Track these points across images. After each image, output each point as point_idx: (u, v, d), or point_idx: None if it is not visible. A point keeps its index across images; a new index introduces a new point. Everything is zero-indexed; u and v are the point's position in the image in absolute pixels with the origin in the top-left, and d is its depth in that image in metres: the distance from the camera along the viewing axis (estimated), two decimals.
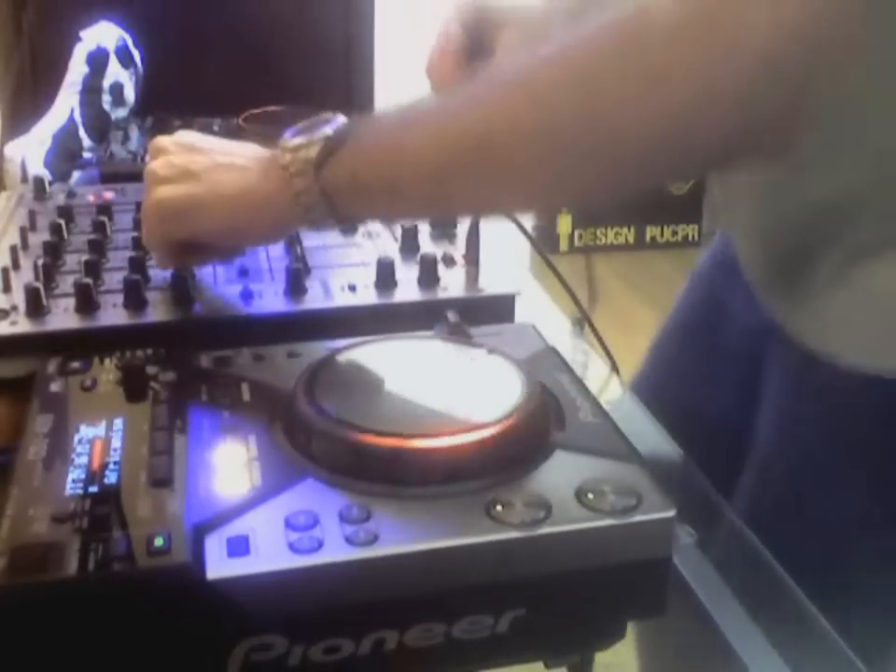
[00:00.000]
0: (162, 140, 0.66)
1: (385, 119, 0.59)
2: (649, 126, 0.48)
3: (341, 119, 0.58)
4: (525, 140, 0.50)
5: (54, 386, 0.51)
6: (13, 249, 0.71)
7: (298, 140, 0.57)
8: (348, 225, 0.60)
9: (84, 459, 0.44)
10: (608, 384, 0.72)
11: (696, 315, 0.85)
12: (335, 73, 1.35)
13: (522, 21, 0.72)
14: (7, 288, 0.67)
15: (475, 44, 0.71)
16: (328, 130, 0.57)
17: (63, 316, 0.63)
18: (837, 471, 0.66)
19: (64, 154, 1.03)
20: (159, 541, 0.38)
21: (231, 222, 0.61)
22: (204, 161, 0.62)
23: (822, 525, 0.67)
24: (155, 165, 0.64)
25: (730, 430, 0.77)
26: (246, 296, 0.66)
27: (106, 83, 1.10)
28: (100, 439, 0.46)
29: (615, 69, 0.48)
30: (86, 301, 0.64)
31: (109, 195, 0.86)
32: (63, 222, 0.76)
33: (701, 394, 0.81)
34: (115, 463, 0.44)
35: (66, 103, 1.07)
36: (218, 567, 0.38)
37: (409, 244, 0.73)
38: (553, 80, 0.50)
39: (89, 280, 0.65)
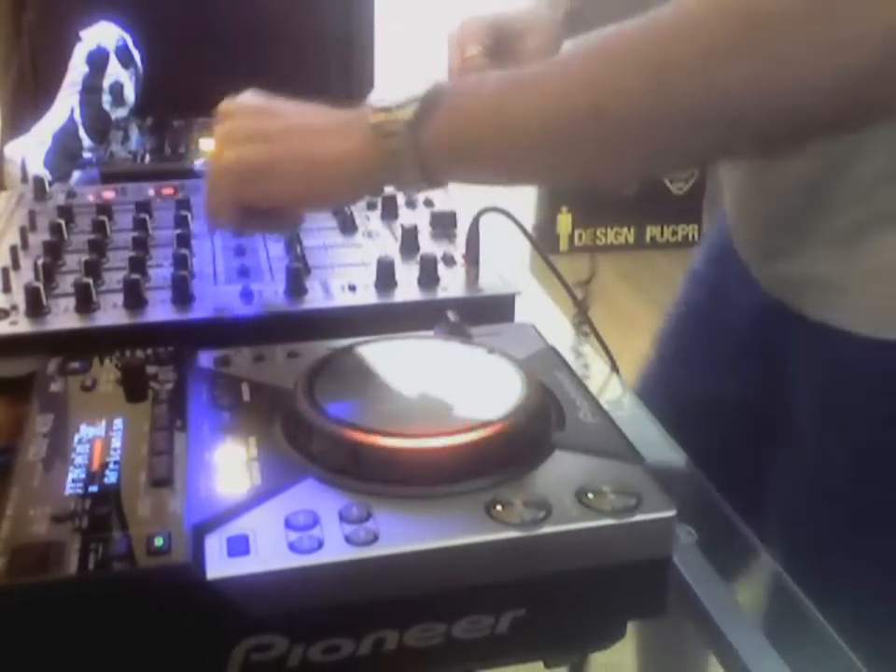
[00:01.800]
0: (231, 104, 0.63)
1: (481, 86, 0.57)
2: (774, 101, 0.48)
3: (429, 82, 0.56)
4: (639, 109, 0.50)
5: (54, 386, 0.51)
6: (13, 249, 0.71)
7: (389, 100, 0.55)
8: (430, 188, 0.59)
9: (84, 459, 0.44)
10: (608, 384, 0.72)
11: (696, 308, 0.86)
12: (336, 71, 1.35)
13: (545, 26, 0.72)
14: (7, 288, 0.67)
15: (493, 53, 0.70)
16: (419, 92, 0.55)
17: (63, 316, 0.63)
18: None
19: (64, 154, 1.03)
20: (159, 541, 0.38)
21: (311, 185, 0.59)
22: (280, 123, 0.60)
23: (878, 509, 0.67)
24: (228, 127, 0.61)
25: (749, 410, 0.77)
26: (246, 296, 0.66)
27: (106, 83, 1.10)
28: (100, 439, 0.46)
29: (740, 47, 0.47)
30: (86, 301, 0.64)
31: (109, 195, 0.86)
32: (62, 222, 0.76)
33: (712, 381, 0.81)
34: (115, 463, 0.44)
35: (66, 103, 1.07)
36: (218, 566, 0.38)
37: (409, 244, 0.73)
38: (668, 54, 0.49)
39: (89, 280, 0.65)
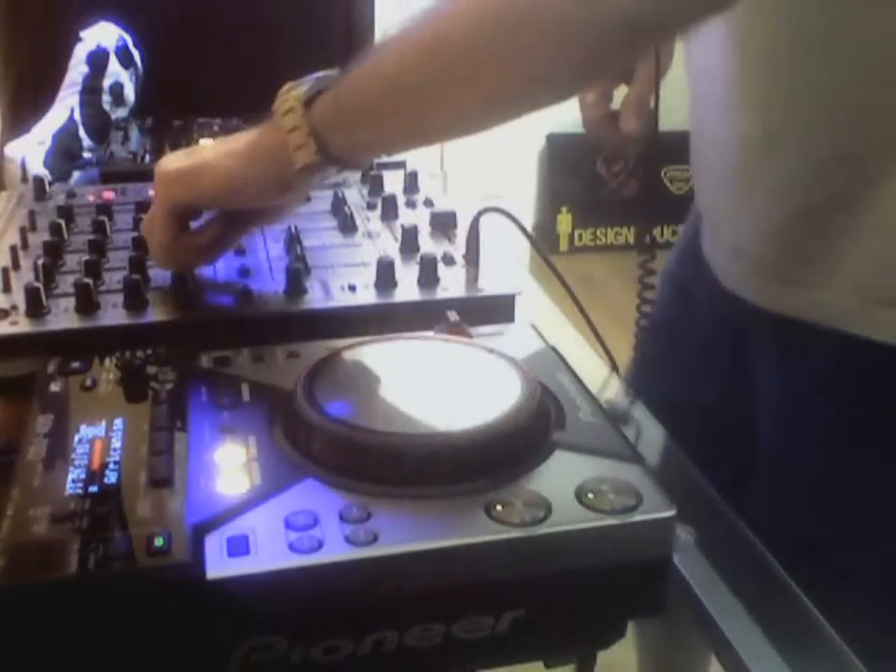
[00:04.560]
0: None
1: (367, 51, 0.60)
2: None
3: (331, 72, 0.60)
4: (476, 33, 0.54)
5: (54, 386, 0.51)
6: (13, 249, 0.71)
7: (289, 84, 0.60)
8: (340, 169, 0.62)
9: (84, 459, 0.44)
10: (608, 384, 0.72)
11: (667, 312, 0.86)
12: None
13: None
14: (7, 288, 0.67)
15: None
16: (319, 74, 0.59)
17: (63, 316, 0.63)
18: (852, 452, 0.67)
19: (64, 154, 1.03)
20: (159, 541, 0.38)
21: (233, 177, 0.62)
22: (205, 149, 0.65)
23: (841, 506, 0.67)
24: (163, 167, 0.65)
25: (717, 418, 0.77)
26: (246, 296, 0.66)
27: (106, 83, 1.10)
28: (100, 439, 0.46)
29: None
30: (86, 301, 0.64)
31: (109, 195, 0.86)
32: (62, 222, 0.76)
33: (684, 387, 0.81)
34: (115, 463, 0.44)
35: (66, 103, 1.07)
36: (218, 566, 0.38)
37: (409, 244, 0.73)
38: None
39: (89, 280, 0.65)
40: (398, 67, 0.57)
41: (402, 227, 0.75)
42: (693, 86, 0.75)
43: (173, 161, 0.65)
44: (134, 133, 1.16)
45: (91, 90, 1.08)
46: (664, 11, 0.50)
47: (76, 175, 1.03)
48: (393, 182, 0.87)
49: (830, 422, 0.68)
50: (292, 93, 0.60)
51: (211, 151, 0.64)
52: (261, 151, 0.61)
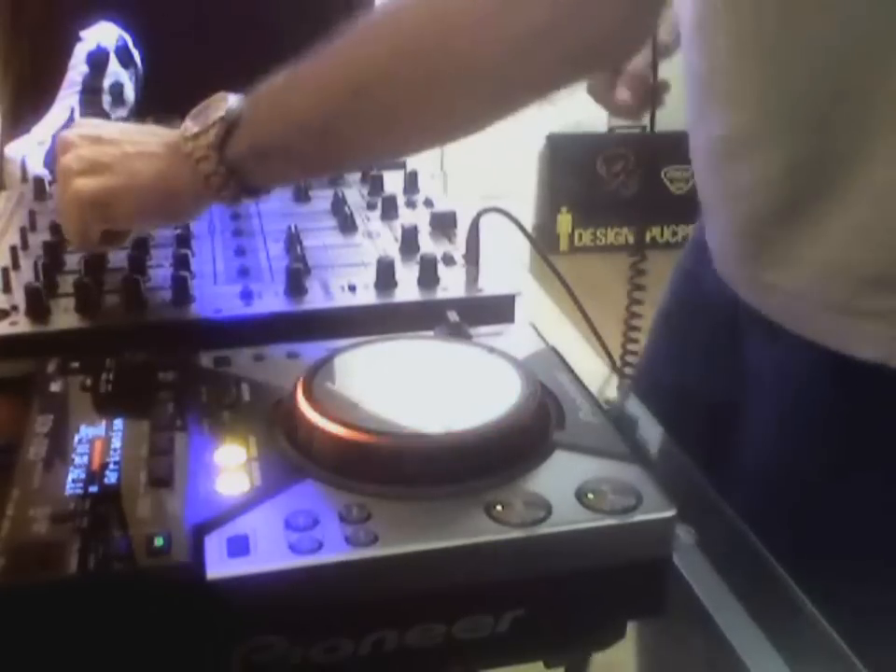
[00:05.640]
0: (68, 135, 0.67)
1: (273, 87, 0.61)
2: (502, 45, 0.55)
3: (232, 98, 0.61)
4: (392, 81, 0.57)
5: (54, 386, 0.51)
6: (13, 249, 0.71)
7: (195, 128, 0.61)
8: (255, 197, 0.66)
9: (84, 459, 0.44)
10: (608, 383, 0.72)
11: (677, 304, 0.86)
12: None
13: None
14: (7, 288, 0.67)
15: None
16: (220, 112, 0.60)
17: (63, 316, 0.63)
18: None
19: None
20: (158, 541, 0.38)
21: (148, 210, 0.64)
22: (114, 151, 0.64)
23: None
24: (67, 160, 0.64)
25: (716, 409, 0.77)
26: (246, 296, 0.66)
27: (106, 83, 1.10)
28: (100, 439, 0.46)
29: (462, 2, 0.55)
30: (86, 301, 0.64)
31: None
32: None
33: (689, 377, 0.82)
34: (115, 463, 0.44)
35: (66, 103, 1.07)
36: (218, 566, 0.38)
37: (409, 244, 0.73)
38: (411, 22, 0.57)
39: (89, 280, 0.65)
40: (314, 112, 0.59)
41: (402, 227, 0.75)
42: (686, 85, 0.76)
43: (82, 179, 0.63)
44: None
45: (91, 90, 1.08)
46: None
47: None
48: (393, 182, 0.88)
49: (789, 415, 0.68)
50: (202, 141, 0.60)
51: (121, 173, 0.63)
52: (177, 187, 0.62)
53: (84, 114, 1.06)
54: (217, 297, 0.66)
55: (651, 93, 0.82)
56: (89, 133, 0.66)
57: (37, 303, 0.63)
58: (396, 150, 0.66)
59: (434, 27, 0.56)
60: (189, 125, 0.62)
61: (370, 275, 0.68)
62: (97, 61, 1.09)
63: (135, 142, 0.65)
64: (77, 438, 0.46)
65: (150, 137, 0.65)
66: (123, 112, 1.13)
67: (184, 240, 0.74)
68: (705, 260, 0.78)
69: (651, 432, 0.65)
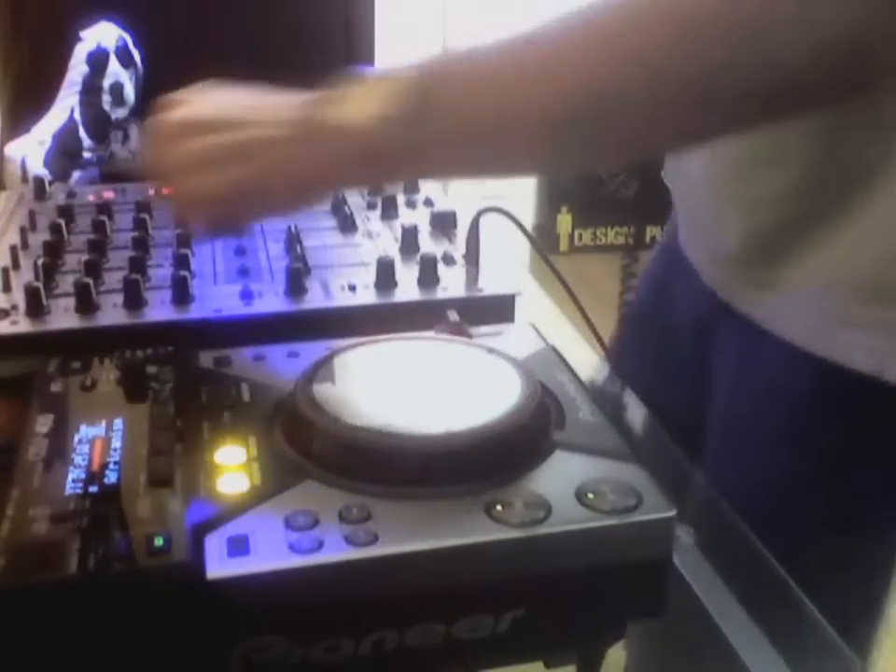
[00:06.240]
0: (176, 120, 0.59)
1: (471, 73, 0.53)
2: (758, 76, 0.47)
3: (398, 73, 0.54)
4: (635, 104, 0.49)
5: (54, 386, 0.51)
6: (13, 249, 0.71)
7: (375, 109, 0.53)
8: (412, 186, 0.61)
9: (84, 459, 0.44)
10: (608, 384, 0.72)
11: (644, 307, 0.86)
12: (337, 70, 1.34)
13: None
14: (7, 288, 0.67)
15: None
16: (403, 94, 0.52)
17: (63, 316, 0.63)
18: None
19: (64, 154, 1.03)
20: (158, 541, 0.38)
21: (303, 199, 0.58)
22: (247, 136, 0.55)
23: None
24: (194, 147, 0.56)
25: (682, 418, 0.77)
26: (246, 296, 0.66)
27: (106, 83, 1.10)
28: (100, 439, 0.46)
29: (720, 26, 0.46)
30: (86, 301, 0.64)
31: (109, 195, 0.86)
32: (62, 222, 0.76)
33: (656, 385, 0.81)
34: (115, 463, 0.44)
35: (66, 103, 1.07)
36: (218, 566, 0.38)
37: (409, 244, 0.73)
38: (653, 40, 0.48)
39: (89, 280, 0.65)
40: (537, 116, 0.50)
41: (402, 227, 0.75)
42: None
43: (223, 171, 0.55)
44: (134, 133, 1.16)
45: (91, 90, 1.08)
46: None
47: (76, 174, 1.03)
48: None
49: (772, 424, 0.68)
50: (387, 132, 0.51)
51: (265, 162, 0.54)
52: (338, 170, 0.54)
53: (84, 114, 1.06)
54: (217, 297, 0.66)
55: None
56: (207, 118, 0.58)
57: (37, 303, 0.63)
58: (611, 164, 0.58)
59: (685, 53, 0.48)
60: (376, 108, 0.52)
61: (370, 275, 0.68)
62: (97, 61, 1.09)
63: (266, 122, 0.55)
64: (76, 438, 0.46)
65: (282, 112, 0.56)
66: (123, 112, 1.13)
67: (184, 240, 0.74)
68: (677, 269, 0.77)
69: (651, 432, 0.65)
